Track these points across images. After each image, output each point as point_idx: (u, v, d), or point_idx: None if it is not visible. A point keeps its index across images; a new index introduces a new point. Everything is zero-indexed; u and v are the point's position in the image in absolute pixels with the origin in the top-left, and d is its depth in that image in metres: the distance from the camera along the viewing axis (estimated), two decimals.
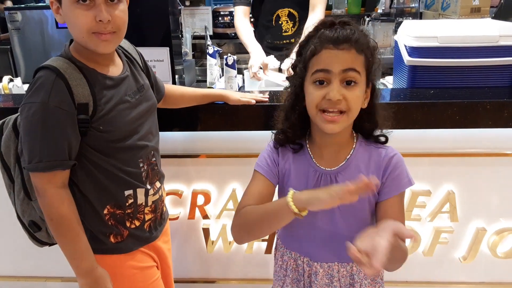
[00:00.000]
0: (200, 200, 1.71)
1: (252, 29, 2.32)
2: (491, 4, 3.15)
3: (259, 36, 2.25)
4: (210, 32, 3.54)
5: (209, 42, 3.33)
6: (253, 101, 1.49)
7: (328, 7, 3.71)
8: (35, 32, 3.52)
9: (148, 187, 1.25)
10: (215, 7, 3.80)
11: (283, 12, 2.28)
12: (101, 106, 1.10)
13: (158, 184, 1.29)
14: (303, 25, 2.25)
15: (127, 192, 1.20)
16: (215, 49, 2.23)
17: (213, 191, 1.71)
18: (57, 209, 1.08)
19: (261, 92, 1.72)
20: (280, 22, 2.30)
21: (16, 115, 1.18)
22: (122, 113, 1.15)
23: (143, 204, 1.24)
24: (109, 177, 1.16)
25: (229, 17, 3.66)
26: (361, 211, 1.07)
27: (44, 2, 3.84)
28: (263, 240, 1.76)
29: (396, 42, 1.86)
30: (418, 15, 3.77)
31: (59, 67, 1.05)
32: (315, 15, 2.20)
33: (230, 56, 1.93)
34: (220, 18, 3.67)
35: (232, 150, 1.67)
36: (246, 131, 1.61)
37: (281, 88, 1.89)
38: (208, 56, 2.24)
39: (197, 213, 1.73)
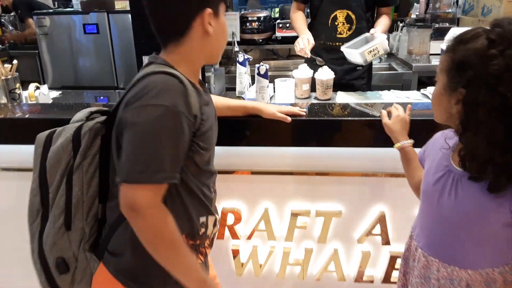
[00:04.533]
0: (230, 219, 1.60)
1: (305, 19, 2.39)
2: None
3: (314, 35, 2.21)
4: (237, 38, 3.45)
5: (236, 48, 3.26)
6: (289, 119, 1.38)
7: None
8: (63, 37, 3.51)
9: (216, 216, 1.16)
10: (243, 12, 3.72)
11: (341, 14, 2.23)
12: (204, 121, 1.02)
13: (217, 215, 1.19)
14: (358, 30, 2.22)
15: (201, 219, 1.09)
16: (246, 57, 2.14)
17: (244, 210, 1.61)
18: (168, 226, 0.95)
19: (296, 105, 1.60)
20: (336, 24, 2.26)
21: (78, 124, 1.05)
22: (213, 134, 1.10)
23: (209, 235, 1.14)
24: (193, 199, 1.05)
25: (257, 22, 3.56)
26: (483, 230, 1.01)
27: (72, 7, 3.83)
28: (297, 264, 1.65)
29: (443, 51, 1.71)
30: (455, 21, 3.58)
31: (178, 75, 0.97)
32: (385, 20, 2.25)
33: (262, 65, 1.83)
34: (248, 24, 3.58)
35: (265, 166, 1.56)
36: (280, 147, 1.51)
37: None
38: (238, 64, 2.14)
39: (226, 232, 1.63)
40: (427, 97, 2.07)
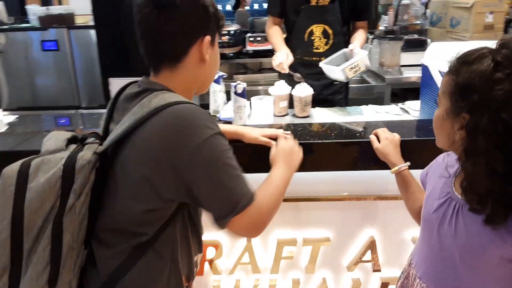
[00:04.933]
0: (210, 253, 1.47)
1: (281, 33, 2.30)
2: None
3: (291, 50, 2.14)
4: None
5: None
6: (273, 143, 1.28)
7: None
8: (19, 55, 3.28)
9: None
10: None
11: (317, 28, 2.17)
12: None
13: None
14: (335, 44, 2.17)
15: (195, 258, 1.06)
16: (220, 74, 2.02)
17: (225, 241, 1.48)
18: (272, 198, 0.98)
19: (280, 127, 1.50)
20: (312, 38, 2.19)
21: (62, 154, 0.88)
22: None
23: (194, 275, 1.08)
24: (194, 235, 1.02)
25: (227, 37, 3.47)
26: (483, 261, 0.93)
27: (29, 23, 3.61)
28: None
29: (425, 67, 1.67)
30: (423, 33, 3.62)
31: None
32: (362, 34, 2.20)
33: (239, 84, 1.72)
34: None
35: None
36: (262, 173, 1.39)
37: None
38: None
39: (206, 267, 1.49)
40: (406, 111, 2.03)
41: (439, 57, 1.57)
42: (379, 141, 1.27)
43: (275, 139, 1.30)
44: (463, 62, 0.88)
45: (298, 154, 1.18)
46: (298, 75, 2.05)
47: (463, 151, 0.88)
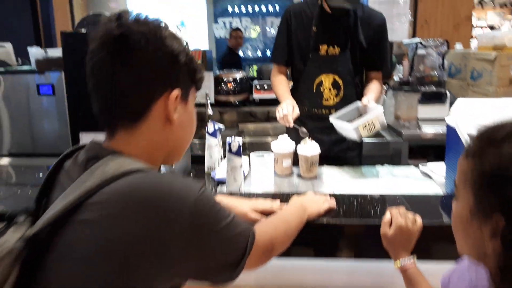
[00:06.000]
0: None
1: (288, 83, 2.12)
2: None
3: (298, 101, 1.95)
4: (211, 99, 3.18)
5: (210, 111, 2.97)
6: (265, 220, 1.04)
7: None
8: (18, 99, 3.14)
9: None
10: (218, 73, 3.48)
11: (327, 78, 1.97)
12: None
13: None
14: (347, 96, 1.98)
15: None
16: (217, 127, 1.81)
17: None
18: (279, 232, 0.95)
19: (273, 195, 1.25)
20: (322, 89, 2.00)
21: (18, 235, 0.68)
22: None
23: None
24: None
25: (232, 84, 3.32)
26: None
27: (31, 65, 3.51)
28: None
29: (450, 128, 1.43)
30: (442, 85, 3.41)
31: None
32: (376, 85, 2.01)
33: (234, 140, 1.49)
34: (223, 85, 3.34)
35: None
36: None
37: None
38: (207, 135, 1.82)
39: None
40: (428, 176, 1.76)
41: (470, 118, 1.33)
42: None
43: (267, 214, 1.06)
44: (488, 142, 0.64)
45: (319, 202, 1.15)
46: (303, 129, 1.83)
47: (498, 268, 0.63)
